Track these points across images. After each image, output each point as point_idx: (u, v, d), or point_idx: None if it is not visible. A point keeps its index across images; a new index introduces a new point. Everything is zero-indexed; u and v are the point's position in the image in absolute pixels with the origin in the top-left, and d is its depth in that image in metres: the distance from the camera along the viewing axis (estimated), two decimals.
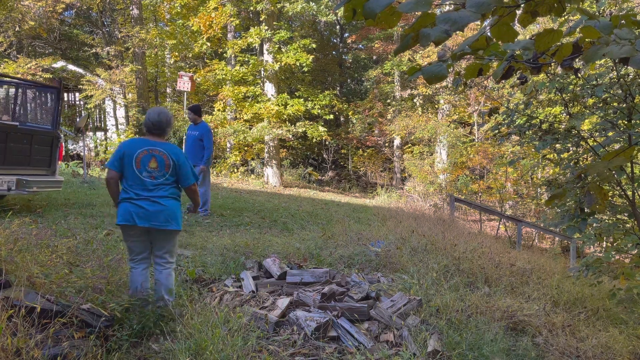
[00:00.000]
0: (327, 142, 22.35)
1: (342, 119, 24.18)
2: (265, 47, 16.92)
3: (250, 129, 16.48)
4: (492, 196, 16.04)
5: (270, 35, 16.25)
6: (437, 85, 17.54)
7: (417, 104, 20.12)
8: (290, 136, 17.82)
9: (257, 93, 16.90)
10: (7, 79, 8.57)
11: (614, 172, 3.51)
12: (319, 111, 17.20)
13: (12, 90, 7.78)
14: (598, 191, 2.22)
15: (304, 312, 3.80)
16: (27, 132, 6.78)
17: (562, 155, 5.21)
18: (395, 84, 21.62)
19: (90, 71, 18.42)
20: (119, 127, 17.45)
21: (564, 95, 4.91)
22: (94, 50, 21.24)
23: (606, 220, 4.99)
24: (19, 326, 2.66)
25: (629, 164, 4.42)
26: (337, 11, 16.90)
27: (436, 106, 20.32)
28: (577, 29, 1.94)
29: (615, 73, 4.48)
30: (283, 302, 3.97)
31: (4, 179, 6.33)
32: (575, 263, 9.56)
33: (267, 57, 16.91)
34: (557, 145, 5.00)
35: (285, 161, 20.30)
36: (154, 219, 3.54)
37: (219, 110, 17.59)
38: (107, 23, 23.32)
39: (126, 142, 3.68)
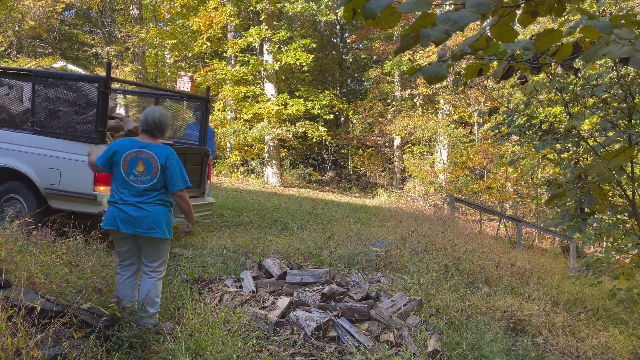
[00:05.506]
0: (327, 142, 22.34)
1: (342, 119, 24.16)
2: (265, 47, 16.91)
3: (250, 129, 16.47)
4: (492, 196, 16.02)
5: (270, 35, 16.24)
6: (437, 85, 17.51)
7: (417, 104, 20.09)
8: (290, 136, 17.80)
9: (257, 93, 16.89)
10: (157, 90, 7.86)
11: (614, 172, 3.50)
12: (319, 111, 17.18)
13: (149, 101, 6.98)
14: (598, 191, 2.22)
15: (304, 312, 3.80)
16: (181, 152, 6.10)
17: (562, 155, 5.21)
18: (395, 84, 21.59)
19: (90, 71, 18.42)
20: None
21: (564, 95, 4.91)
22: (94, 50, 21.27)
23: (606, 220, 4.98)
24: (19, 326, 2.66)
25: (629, 164, 4.41)
26: (337, 11, 16.88)
27: (436, 106, 20.30)
28: (577, 29, 1.94)
29: (615, 73, 4.48)
30: (283, 302, 3.97)
31: None
32: (575, 263, 9.56)
33: (267, 57, 16.90)
34: (557, 145, 4.99)
35: (285, 161, 20.29)
36: (138, 225, 3.37)
37: (219, 110, 17.58)
38: (107, 23, 23.33)
39: (117, 142, 3.49)
